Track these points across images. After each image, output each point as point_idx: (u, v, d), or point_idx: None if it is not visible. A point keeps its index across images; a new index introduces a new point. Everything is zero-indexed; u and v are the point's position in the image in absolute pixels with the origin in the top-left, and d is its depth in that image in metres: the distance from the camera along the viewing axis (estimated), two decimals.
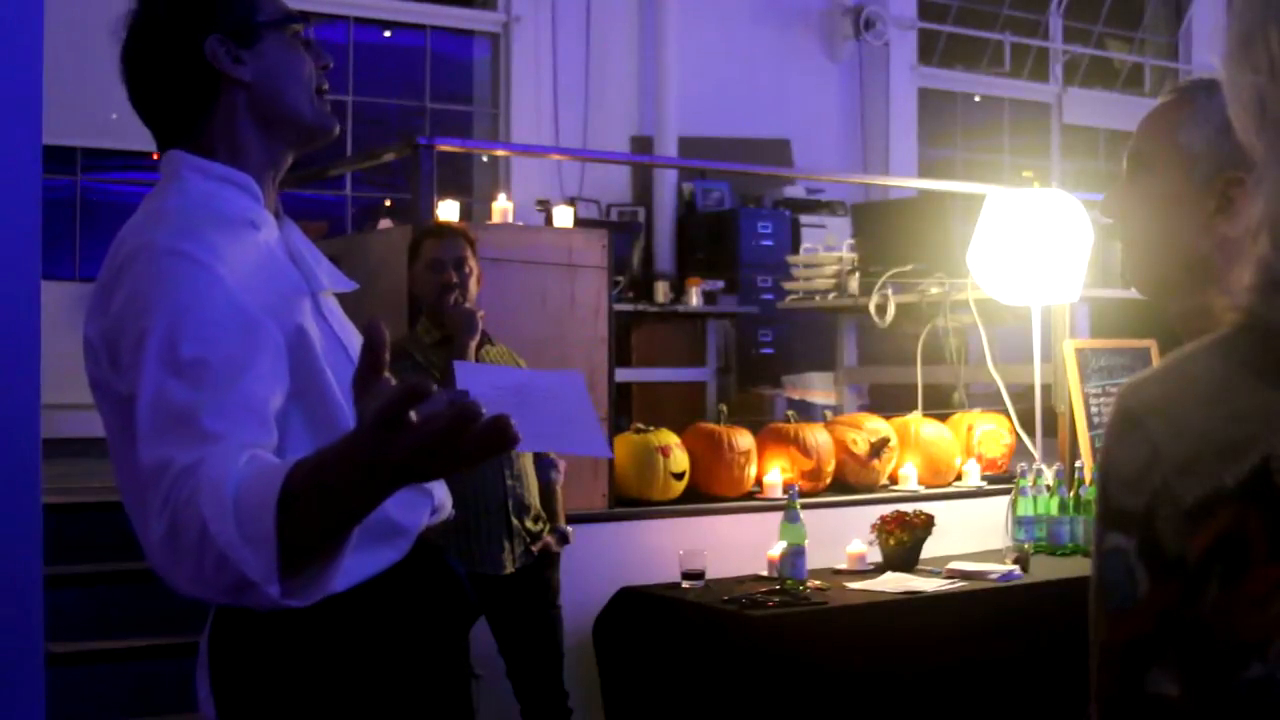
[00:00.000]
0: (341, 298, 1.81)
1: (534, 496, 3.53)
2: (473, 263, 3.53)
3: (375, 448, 1.14)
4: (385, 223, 5.98)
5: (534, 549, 3.50)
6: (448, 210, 4.50)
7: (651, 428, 4.35)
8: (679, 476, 4.27)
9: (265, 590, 1.25)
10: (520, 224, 5.20)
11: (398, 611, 1.65)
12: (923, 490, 4.70)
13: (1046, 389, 4.91)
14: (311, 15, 1.80)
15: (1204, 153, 1.36)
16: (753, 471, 4.42)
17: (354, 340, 1.67)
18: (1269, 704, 0.65)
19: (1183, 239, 1.38)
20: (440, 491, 1.76)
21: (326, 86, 1.72)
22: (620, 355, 6.06)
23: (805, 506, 4.04)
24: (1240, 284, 0.76)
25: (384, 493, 1.19)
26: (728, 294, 7.68)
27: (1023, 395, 5.10)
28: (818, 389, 6.57)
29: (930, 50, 9.75)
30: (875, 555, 4.20)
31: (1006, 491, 4.70)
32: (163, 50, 1.65)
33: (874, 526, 4.21)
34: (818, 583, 3.87)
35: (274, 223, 1.68)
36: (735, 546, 4.14)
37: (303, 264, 1.66)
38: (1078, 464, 4.76)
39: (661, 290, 7.20)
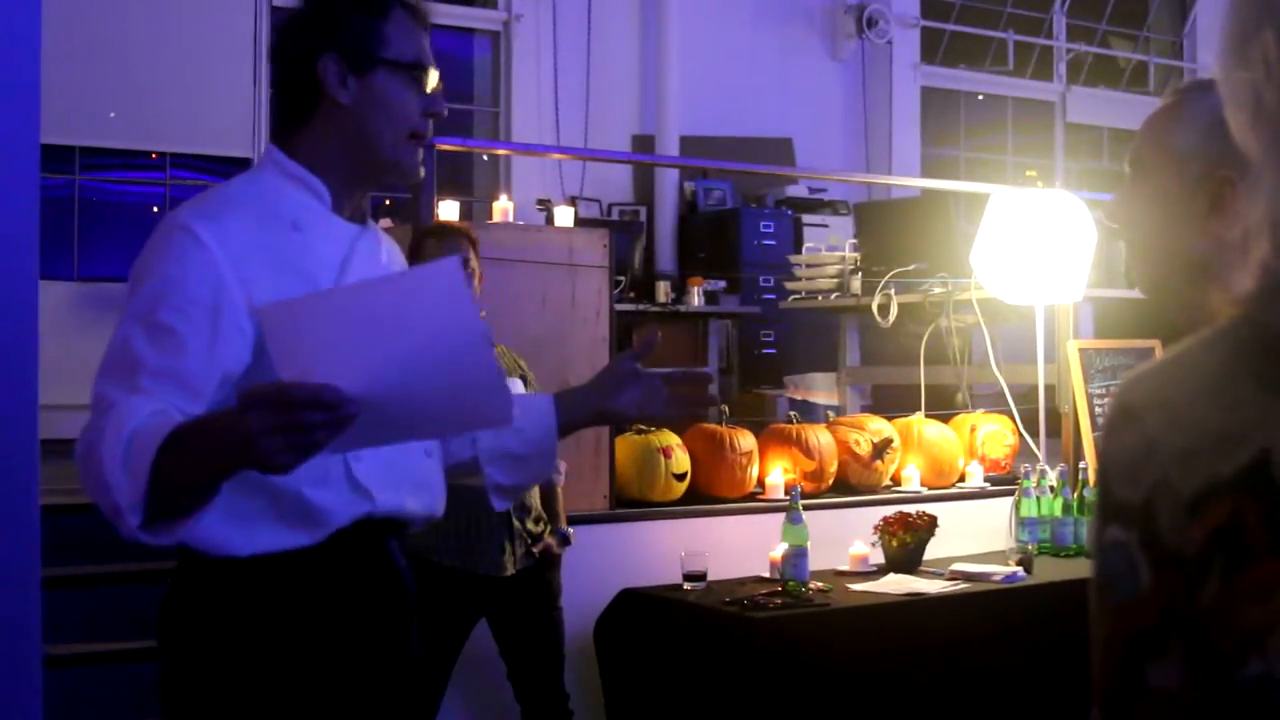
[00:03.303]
0: None
1: (535, 498, 3.52)
2: (475, 263, 3.52)
3: (229, 422, 1.42)
4: (385, 222, 5.96)
5: (535, 550, 3.49)
6: (448, 210, 4.49)
7: (653, 428, 4.34)
8: (680, 477, 4.26)
9: (128, 518, 1.50)
10: (521, 223, 5.19)
11: (326, 596, 1.76)
12: (925, 491, 4.69)
13: (1050, 389, 4.90)
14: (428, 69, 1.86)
15: (1195, 153, 1.38)
16: (755, 472, 4.41)
17: None
18: (1268, 698, 0.64)
19: (1179, 240, 1.39)
20: (416, 497, 1.86)
21: (426, 134, 1.84)
22: None
23: (807, 508, 4.03)
24: (1240, 286, 0.76)
25: (230, 463, 1.46)
26: (729, 294, 7.66)
27: (1026, 396, 5.08)
28: (820, 389, 6.56)
29: (933, 49, 9.73)
30: (878, 557, 4.19)
31: (1010, 493, 4.69)
32: (287, 54, 1.84)
33: (876, 528, 4.20)
34: (820, 584, 3.86)
35: (342, 230, 1.82)
36: (737, 548, 4.13)
37: (344, 272, 1.78)
38: (1081, 465, 4.74)
39: (663, 290, 7.19)
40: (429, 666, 1.94)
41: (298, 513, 1.72)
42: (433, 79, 1.83)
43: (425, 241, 3.54)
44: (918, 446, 4.79)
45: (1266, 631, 0.64)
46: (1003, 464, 5.01)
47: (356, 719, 1.79)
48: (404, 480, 1.82)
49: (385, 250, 1.92)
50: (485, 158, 8.34)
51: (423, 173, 1.89)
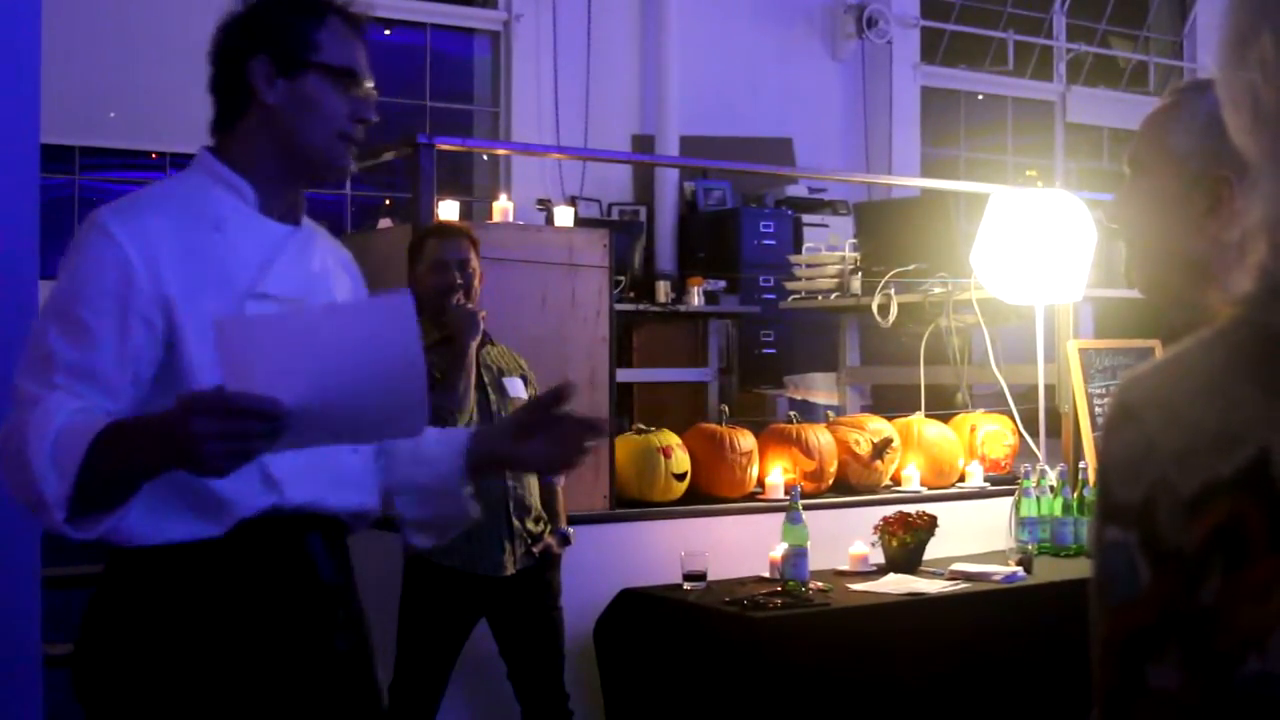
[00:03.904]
0: None
1: (534, 497, 3.52)
2: (476, 263, 3.52)
3: (169, 425, 1.50)
4: (385, 222, 5.97)
5: (535, 550, 3.49)
6: (448, 209, 4.48)
7: (653, 428, 4.34)
8: (680, 477, 4.26)
9: (54, 512, 1.58)
10: (521, 223, 5.19)
11: (233, 588, 1.79)
12: (925, 491, 4.69)
13: (1050, 389, 4.90)
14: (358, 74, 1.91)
15: (1193, 153, 1.38)
16: (755, 472, 4.41)
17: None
18: (1267, 698, 0.64)
19: (1177, 240, 1.39)
20: (338, 493, 1.88)
21: (358, 136, 1.88)
22: (621, 356, 6.05)
23: (807, 507, 4.03)
24: (1238, 287, 0.76)
25: (165, 463, 1.56)
26: (729, 294, 7.66)
27: (1026, 395, 5.08)
28: (820, 389, 6.55)
29: (933, 49, 9.73)
30: (878, 556, 4.19)
31: (1010, 492, 4.69)
32: (220, 55, 1.88)
33: (876, 528, 4.20)
34: (820, 584, 3.85)
35: (269, 230, 1.85)
36: (737, 548, 4.13)
37: (265, 272, 1.81)
38: (1081, 465, 4.74)
39: (663, 290, 7.18)
40: (359, 660, 1.91)
41: (204, 503, 1.75)
42: (366, 86, 1.88)
43: (427, 242, 3.54)
44: (918, 446, 4.79)
45: (1266, 630, 0.64)
46: (1003, 464, 5.01)
47: (268, 711, 1.79)
48: (322, 475, 1.83)
49: (321, 252, 1.94)
50: (485, 158, 8.33)
51: (353, 169, 1.92)
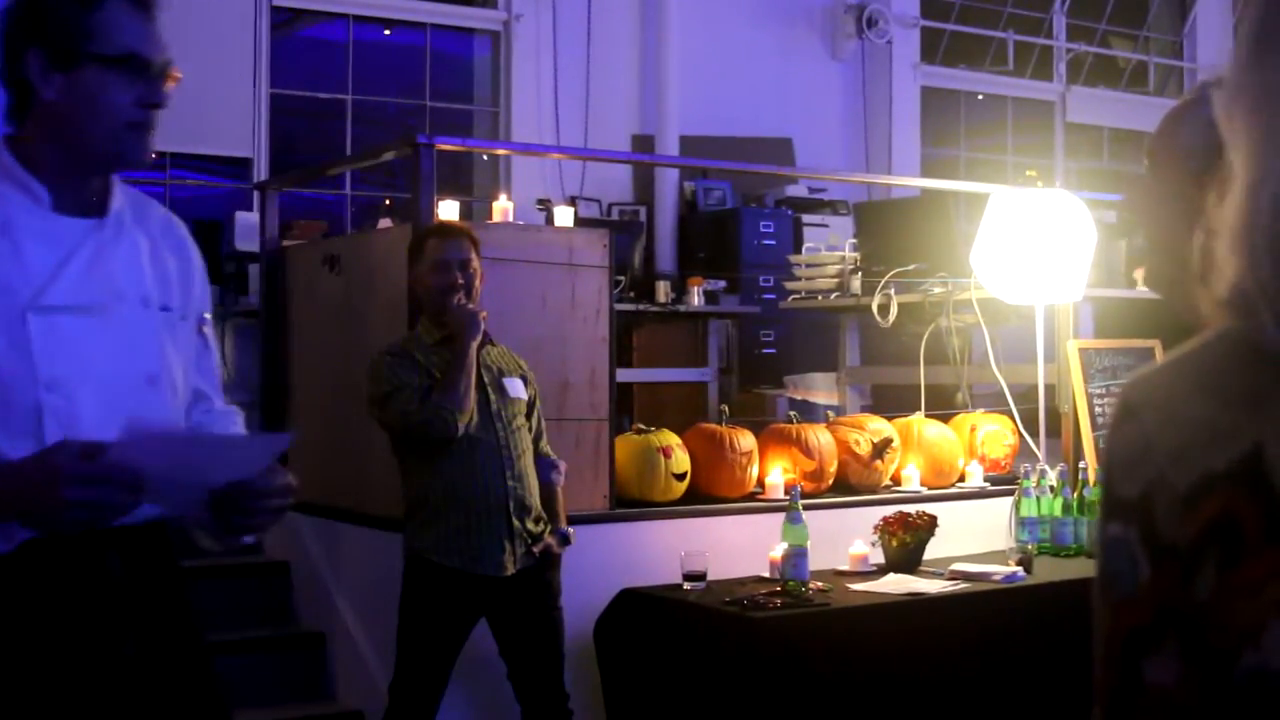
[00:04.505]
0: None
1: (535, 498, 3.52)
2: (477, 263, 3.52)
3: (36, 481, 1.57)
4: (385, 222, 5.97)
5: (535, 550, 3.48)
6: (448, 209, 4.48)
7: (653, 428, 4.34)
8: (680, 477, 4.26)
9: None
10: (521, 223, 5.18)
11: (19, 603, 1.75)
12: (925, 491, 4.69)
13: (1050, 389, 4.90)
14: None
15: (1202, 148, 1.37)
16: (754, 472, 4.41)
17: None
18: (1263, 693, 0.64)
19: (1183, 237, 1.38)
20: None
21: (147, 122, 1.80)
22: (621, 355, 6.04)
23: (807, 507, 4.02)
24: (1217, 298, 0.76)
25: (20, 513, 1.62)
26: (729, 294, 7.65)
27: (1026, 395, 5.08)
28: (820, 389, 6.55)
29: (933, 48, 9.72)
30: (878, 556, 4.19)
31: (1010, 492, 4.69)
32: (2, 49, 1.79)
33: (876, 528, 4.20)
34: (820, 584, 3.85)
35: (66, 228, 1.77)
36: (737, 548, 4.13)
37: (62, 270, 1.75)
38: (1081, 465, 4.74)
39: (663, 290, 7.17)
40: (158, 664, 1.88)
41: None
42: (154, 66, 1.79)
43: (428, 241, 3.54)
44: (917, 446, 4.79)
45: (1260, 625, 0.64)
46: (1002, 464, 5.01)
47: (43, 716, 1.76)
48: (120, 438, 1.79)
49: (132, 241, 1.85)
50: (485, 158, 8.33)
51: (153, 157, 1.84)
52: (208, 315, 1.98)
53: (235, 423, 2.03)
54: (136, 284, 1.82)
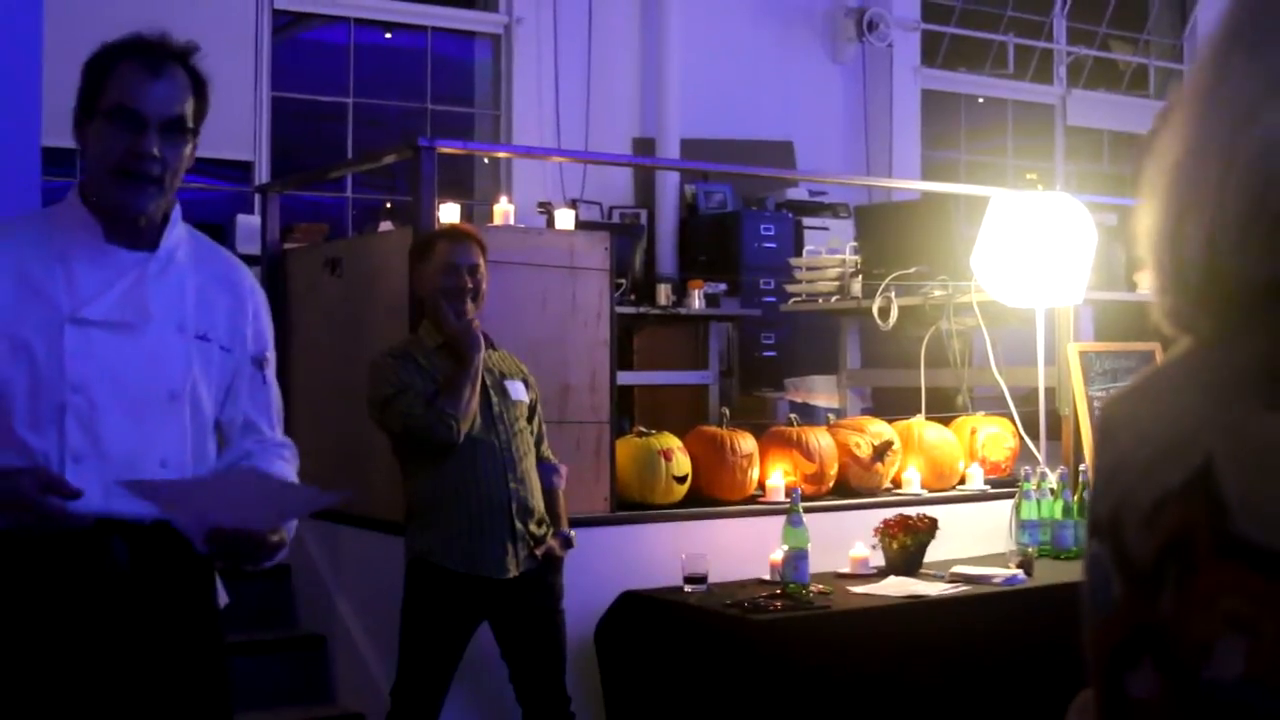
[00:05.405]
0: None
1: (537, 500, 3.52)
2: (484, 268, 3.52)
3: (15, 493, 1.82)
4: (386, 225, 5.97)
5: (537, 553, 3.49)
6: (449, 213, 4.49)
7: (653, 431, 4.34)
8: (681, 480, 4.26)
9: None
10: (522, 226, 5.19)
11: (21, 588, 1.93)
12: (926, 494, 4.69)
13: (1050, 392, 4.90)
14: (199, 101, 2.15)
15: None
16: (755, 475, 4.41)
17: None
18: (1222, 705, 0.65)
19: None
20: (130, 500, 1.96)
21: (140, 170, 1.99)
22: (622, 358, 6.05)
23: (808, 510, 4.03)
24: (1159, 323, 0.77)
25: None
26: (730, 297, 7.65)
27: (1026, 398, 5.08)
28: (820, 392, 6.55)
29: (934, 52, 9.73)
30: (878, 559, 4.19)
31: (1010, 495, 4.69)
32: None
33: (877, 530, 4.20)
34: (820, 587, 3.85)
35: (117, 258, 2.01)
36: (738, 550, 4.13)
37: (103, 293, 1.98)
38: (1081, 467, 4.74)
39: (663, 293, 7.18)
40: (162, 653, 2.02)
41: None
42: (145, 118, 1.98)
43: (437, 244, 3.54)
44: (918, 449, 4.79)
45: (1215, 637, 0.65)
46: (1003, 466, 5.01)
47: (45, 696, 1.91)
48: (120, 487, 1.93)
49: (180, 273, 2.07)
50: (486, 161, 8.33)
51: (149, 209, 2.02)
52: (269, 355, 2.19)
53: (283, 455, 2.21)
54: (174, 311, 2.03)
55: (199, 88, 2.08)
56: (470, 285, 3.46)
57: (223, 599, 2.14)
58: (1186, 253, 0.73)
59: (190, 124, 2.04)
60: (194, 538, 1.95)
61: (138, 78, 2.01)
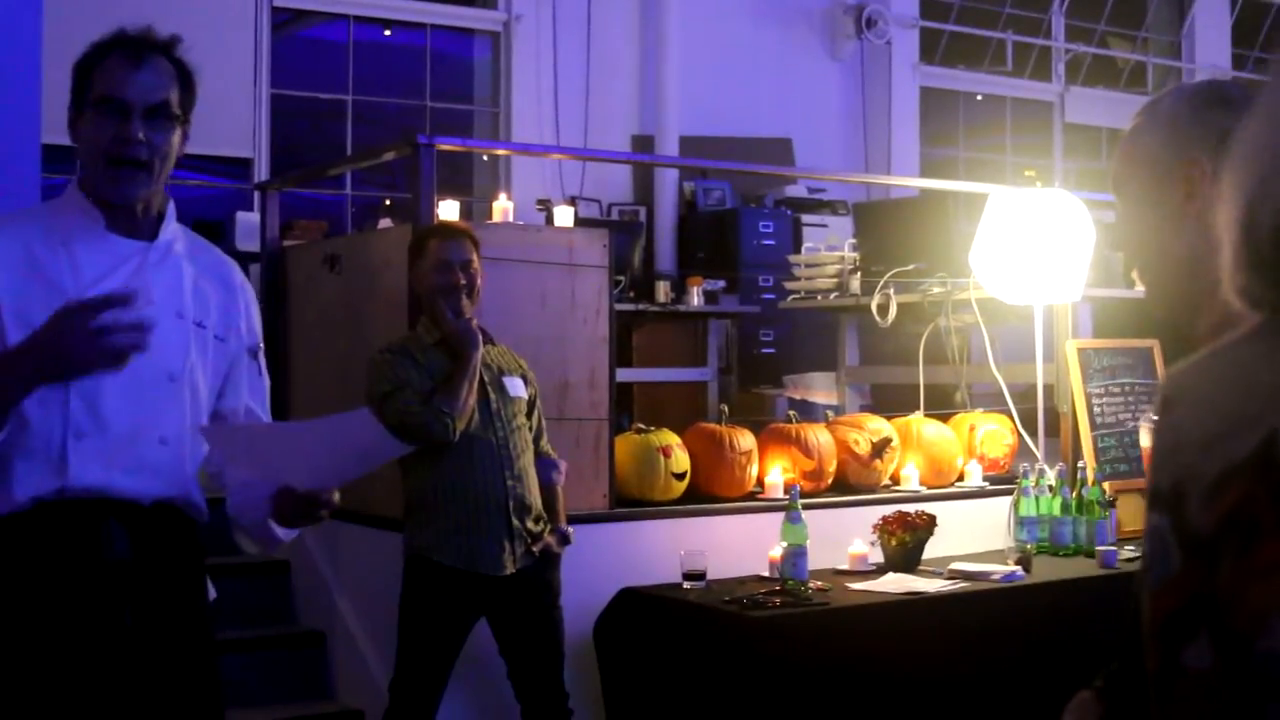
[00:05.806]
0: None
1: (535, 497, 3.52)
2: (478, 264, 3.53)
3: (41, 338, 1.81)
4: (385, 222, 5.97)
5: (535, 549, 3.49)
6: (448, 210, 4.49)
7: (652, 428, 4.34)
8: (680, 477, 4.26)
9: None
10: (521, 223, 5.19)
11: (14, 565, 1.95)
12: (925, 490, 4.69)
13: (1049, 389, 4.91)
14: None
15: (1159, 152, 1.41)
16: (754, 472, 4.41)
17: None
18: (1277, 675, 0.66)
19: (1167, 237, 1.41)
20: (132, 478, 2.02)
21: (122, 158, 2.03)
22: (621, 355, 6.05)
23: (807, 507, 4.03)
24: (1231, 299, 0.78)
25: (32, 374, 1.84)
26: (729, 294, 7.65)
27: (1025, 395, 5.09)
28: (819, 389, 6.56)
29: (932, 49, 9.73)
30: (877, 556, 4.20)
31: (1009, 492, 4.69)
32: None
33: (876, 527, 4.20)
34: (819, 583, 3.86)
35: (117, 246, 2.06)
36: (736, 547, 4.13)
37: (104, 279, 2.01)
38: (1080, 464, 4.75)
39: (662, 290, 7.18)
40: (155, 635, 2.04)
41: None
42: (129, 107, 2.02)
43: (429, 241, 3.55)
44: (917, 446, 4.79)
45: (1273, 609, 0.66)
46: (1001, 463, 5.01)
47: (41, 679, 1.93)
48: (118, 461, 1.99)
49: (175, 265, 2.11)
50: (485, 158, 8.33)
51: (139, 195, 2.05)
52: (260, 345, 2.27)
53: None
54: (173, 298, 2.07)
55: (184, 77, 2.11)
56: (464, 281, 3.46)
57: (211, 594, 2.15)
58: (1262, 228, 0.74)
59: (176, 110, 2.07)
60: (252, 497, 2.04)
61: (121, 68, 2.05)
